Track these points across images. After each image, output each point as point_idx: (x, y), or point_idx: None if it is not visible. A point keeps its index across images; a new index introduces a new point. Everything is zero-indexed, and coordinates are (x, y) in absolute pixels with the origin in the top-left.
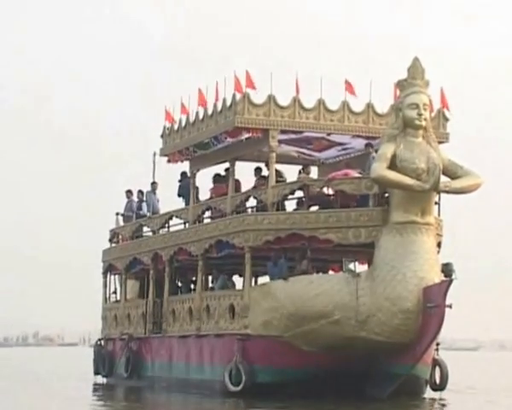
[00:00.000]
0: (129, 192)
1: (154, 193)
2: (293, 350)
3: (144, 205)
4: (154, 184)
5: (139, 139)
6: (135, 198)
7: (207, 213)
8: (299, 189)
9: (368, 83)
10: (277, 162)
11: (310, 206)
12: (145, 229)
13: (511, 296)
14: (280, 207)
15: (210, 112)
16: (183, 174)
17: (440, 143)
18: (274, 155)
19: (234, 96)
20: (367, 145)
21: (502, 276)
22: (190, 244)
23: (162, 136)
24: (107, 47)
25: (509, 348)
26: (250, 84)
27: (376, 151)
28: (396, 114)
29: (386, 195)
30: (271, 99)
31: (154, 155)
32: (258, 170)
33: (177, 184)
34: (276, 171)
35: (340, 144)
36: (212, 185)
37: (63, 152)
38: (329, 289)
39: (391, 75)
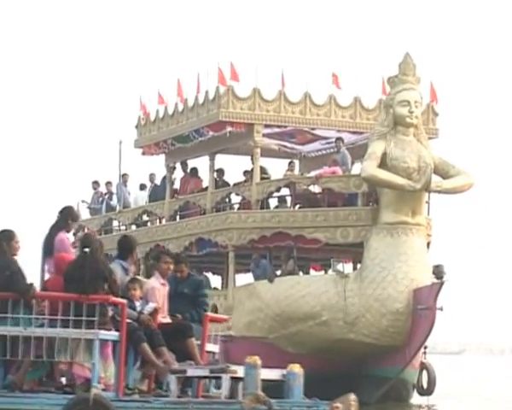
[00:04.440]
0: (95, 183)
1: (125, 185)
2: (278, 352)
3: (115, 197)
4: (124, 175)
5: (108, 127)
6: (102, 190)
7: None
8: (286, 186)
9: (355, 75)
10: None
11: (296, 204)
12: (115, 223)
13: (500, 298)
14: (264, 204)
15: (191, 104)
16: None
17: (430, 138)
18: (259, 150)
19: (217, 88)
20: (337, 139)
21: (490, 276)
22: (168, 241)
23: (137, 126)
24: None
25: (496, 352)
26: (234, 76)
27: (355, 148)
28: (386, 111)
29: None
30: (256, 92)
31: (120, 143)
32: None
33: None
34: (261, 167)
35: (325, 138)
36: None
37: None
38: (317, 289)
39: (379, 68)
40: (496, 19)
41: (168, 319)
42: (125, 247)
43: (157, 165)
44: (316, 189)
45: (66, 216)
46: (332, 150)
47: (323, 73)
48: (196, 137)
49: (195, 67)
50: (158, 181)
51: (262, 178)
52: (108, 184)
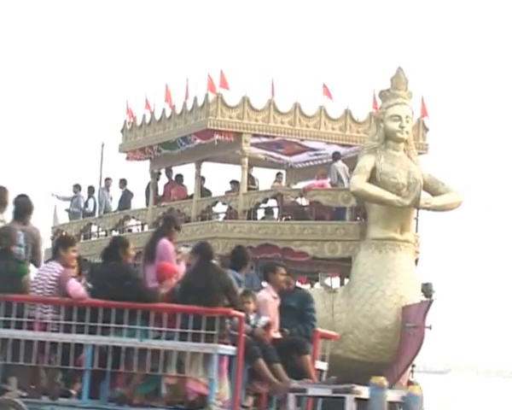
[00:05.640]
0: (76, 187)
1: (108, 190)
2: None
3: (91, 201)
4: (107, 180)
5: (90, 129)
6: (83, 194)
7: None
8: (273, 197)
9: (346, 88)
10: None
11: (283, 216)
12: (94, 228)
13: (487, 319)
14: (252, 215)
15: (179, 110)
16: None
17: (419, 154)
18: (246, 159)
19: (207, 95)
20: (335, 154)
21: (477, 296)
22: None
23: (122, 131)
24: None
25: (482, 373)
26: (224, 83)
27: (343, 161)
28: (377, 125)
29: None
30: (245, 101)
31: (103, 146)
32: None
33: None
34: (251, 176)
35: (313, 150)
36: (167, 182)
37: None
38: None
39: (370, 80)
40: (486, 35)
41: (278, 334)
42: (240, 258)
43: (140, 170)
44: (303, 201)
45: (170, 223)
46: (320, 162)
47: (314, 83)
48: (183, 145)
49: (184, 74)
50: (128, 187)
51: (250, 189)
52: (90, 188)
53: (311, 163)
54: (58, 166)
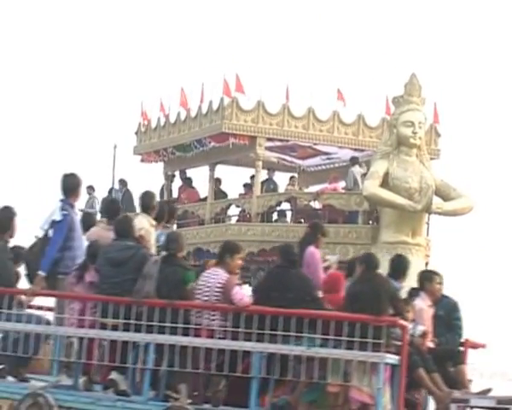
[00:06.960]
0: (90, 188)
1: (121, 191)
2: None
3: (96, 202)
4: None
5: (102, 131)
6: (96, 195)
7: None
8: (286, 200)
9: (360, 93)
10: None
11: (296, 219)
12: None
13: (491, 318)
14: (265, 218)
15: (194, 113)
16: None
17: (431, 159)
18: (260, 163)
19: (222, 99)
20: (352, 158)
21: (482, 295)
22: None
23: (136, 133)
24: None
25: (486, 376)
26: (239, 88)
27: (360, 166)
28: (390, 130)
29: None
30: (260, 105)
31: (115, 148)
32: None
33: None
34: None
35: (326, 154)
36: (181, 185)
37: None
38: None
39: (384, 86)
40: (501, 42)
41: (431, 344)
42: (399, 267)
43: (154, 172)
44: (316, 204)
45: (316, 231)
46: (332, 166)
47: (328, 88)
48: (198, 147)
49: (200, 77)
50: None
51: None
52: (111, 190)
53: (324, 167)
54: (70, 167)
